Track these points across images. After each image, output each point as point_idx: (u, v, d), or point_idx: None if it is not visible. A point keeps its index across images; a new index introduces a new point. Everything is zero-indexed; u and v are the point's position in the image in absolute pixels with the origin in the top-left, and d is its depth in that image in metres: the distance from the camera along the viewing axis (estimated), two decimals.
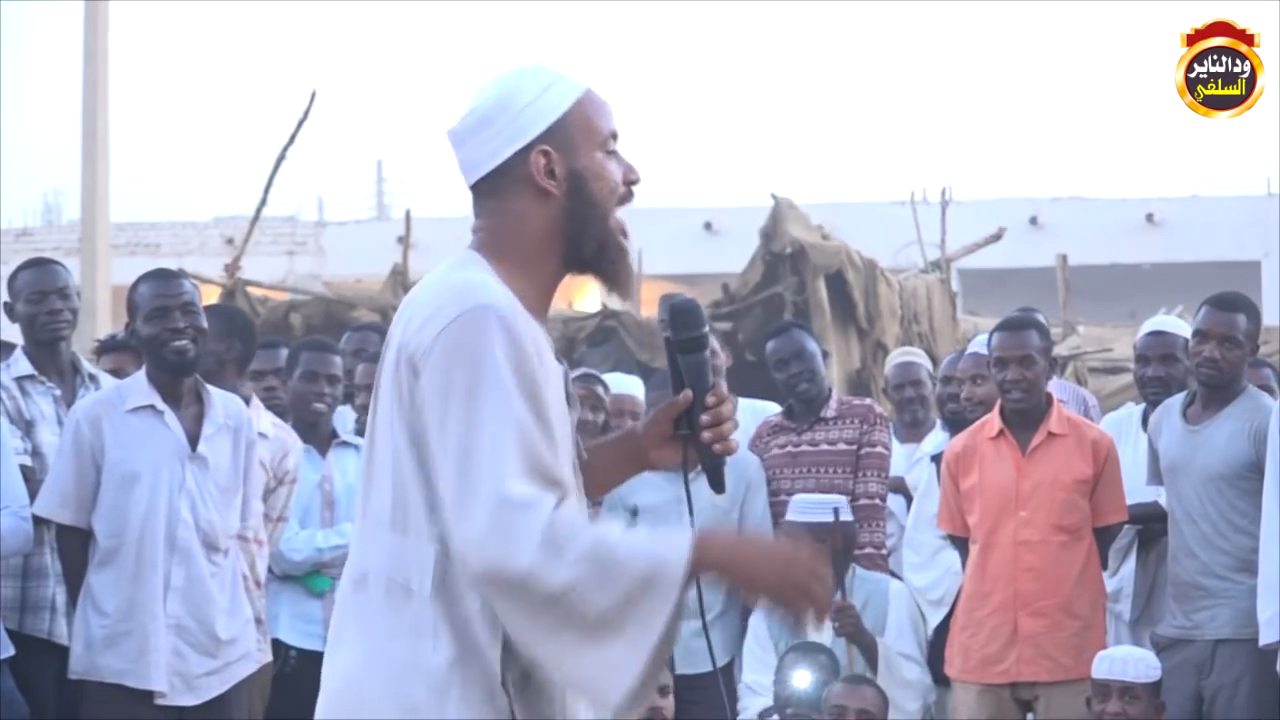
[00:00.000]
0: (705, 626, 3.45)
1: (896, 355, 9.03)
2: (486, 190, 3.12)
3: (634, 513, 7.30)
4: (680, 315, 3.20)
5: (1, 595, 6.08)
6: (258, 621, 6.42)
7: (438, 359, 2.95)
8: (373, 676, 2.98)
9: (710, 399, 3.19)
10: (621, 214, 3.15)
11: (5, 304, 6.54)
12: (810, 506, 6.96)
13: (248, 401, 6.63)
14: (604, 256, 3.13)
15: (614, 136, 3.16)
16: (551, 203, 3.10)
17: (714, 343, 7.73)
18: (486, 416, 2.91)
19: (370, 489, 3.07)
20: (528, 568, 2.85)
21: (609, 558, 2.87)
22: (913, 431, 8.28)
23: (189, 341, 6.00)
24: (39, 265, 6.56)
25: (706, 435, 3.18)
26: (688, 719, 6.97)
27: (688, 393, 3.20)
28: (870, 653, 6.81)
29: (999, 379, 6.65)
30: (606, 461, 3.33)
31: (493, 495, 2.87)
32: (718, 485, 3.22)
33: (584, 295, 16.29)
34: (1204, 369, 6.47)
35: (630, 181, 3.16)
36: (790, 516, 6.97)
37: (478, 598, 2.94)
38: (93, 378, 6.51)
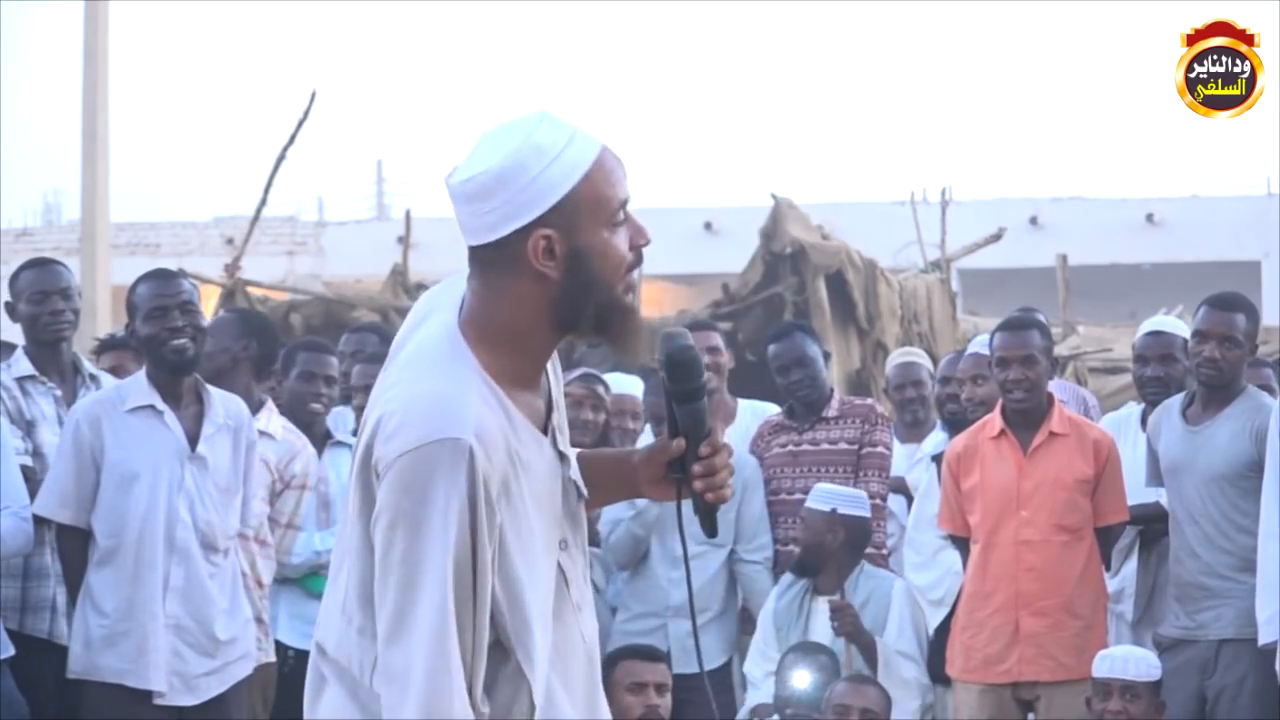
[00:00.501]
0: (695, 632, 3.44)
1: (897, 355, 9.02)
2: (483, 258, 2.96)
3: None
4: (678, 367, 3.07)
5: (2, 595, 6.08)
6: (259, 621, 6.43)
7: (393, 480, 2.86)
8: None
9: (704, 449, 3.08)
10: (629, 279, 3.00)
11: (7, 304, 6.53)
12: (830, 496, 7.02)
13: (261, 404, 6.64)
14: (607, 326, 2.99)
15: (624, 205, 2.96)
16: (548, 283, 2.93)
17: (718, 340, 7.74)
18: (424, 570, 2.85)
19: (339, 568, 3.03)
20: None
21: None
22: (913, 432, 8.28)
23: (188, 340, 6.00)
24: (41, 265, 6.55)
25: (698, 485, 3.09)
26: (686, 718, 6.97)
27: (680, 441, 3.10)
28: (869, 651, 6.82)
29: (1001, 379, 6.65)
30: (603, 482, 3.25)
31: (420, 689, 2.84)
32: (710, 530, 3.15)
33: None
34: (1204, 369, 6.47)
35: (638, 246, 3.00)
36: (810, 504, 7.01)
37: None
38: (93, 377, 6.51)
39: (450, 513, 2.85)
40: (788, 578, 7.10)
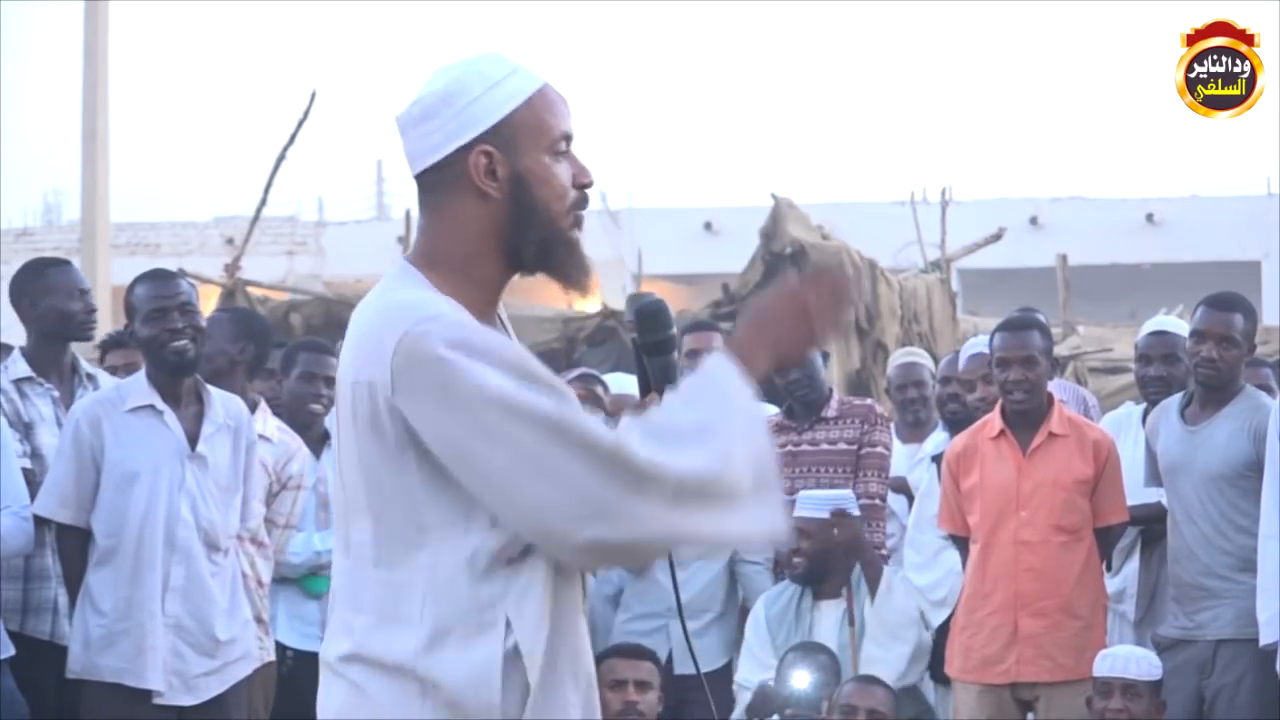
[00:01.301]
0: (686, 633, 3.43)
1: (899, 355, 9.02)
2: (428, 185, 3.04)
3: None
4: (646, 317, 3.11)
5: (3, 597, 6.07)
6: (259, 621, 6.43)
7: (408, 386, 2.88)
8: (372, 703, 2.94)
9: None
10: (577, 213, 3.04)
11: (28, 303, 6.43)
12: (826, 501, 7.00)
13: (255, 405, 6.64)
14: (550, 258, 3.03)
15: (566, 138, 3.03)
16: (491, 205, 2.99)
17: (719, 341, 7.73)
18: (507, 414, 2.85)
19: (350, 526, 3.02)
20: (651, 469, 2.83)
21: (692, 432, 2.86)
22: (914, 431, 8.28)
23: (188, 341, 6.00)
24: (64, 264, 6.57)
25: None
26: (687, 718, 6.97)
27: (654, 396, 3.10)
28: (873, 569, 6.81)
29: (1001, 379, 6.64)
30: None
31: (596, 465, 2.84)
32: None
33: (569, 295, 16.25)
34: (1202, 369, 6.47)
35: (582, 185, 3.04)
36: (805, 514, 6.98)
37: (476, 615, 2.90)
38: (90, 377, 6.50)
39: (485, 345, 2.87)
40: (778, 586, 7.08)
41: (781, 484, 3.07)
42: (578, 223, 3.05)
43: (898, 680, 6.72)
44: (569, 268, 3.04)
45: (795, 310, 2.99)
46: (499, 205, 2.99)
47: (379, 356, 2.90)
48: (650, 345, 3.11)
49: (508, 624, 2.91)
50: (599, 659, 6.76)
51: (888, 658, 6.80)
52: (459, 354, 2.86)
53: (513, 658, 2.90)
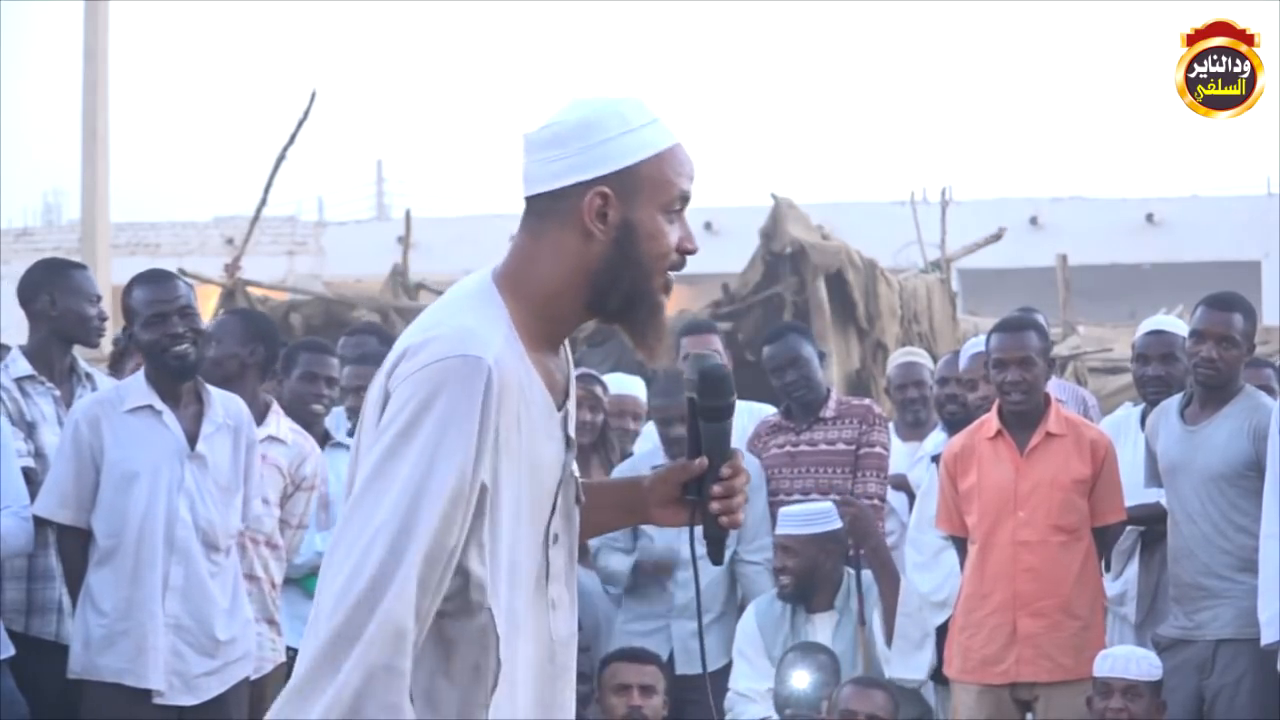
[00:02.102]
0: (700, 630, 3.43)
1: (899, 355, 9.02)
2: (536, 209, 2.99)
3: (635, 535, 7.31)
4: (712, 382, 3.06)
5: (6, 598, 6.07)
6: (270, 623, 6.45)
7: (405, 390, 2.85)
8: None
9: (726, 470, 3.07)
10: (669, 277, 3.01)
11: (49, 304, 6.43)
12: (808, 518, 6.96)
13: (268, 407, 6.63)
14: (633, 312, 3.00)
15: (684, 200, 3.01)
16: (593, 246, 2.96)
17: (717, 344, 7.74)
18: (411, 463, 2.81)
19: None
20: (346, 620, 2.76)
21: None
22: (914, 431, 8.28)
23: (189, 346, 6.00)
24: (84, 268, 6.61)
25: (715, 506, 3.06)
26: (690, 718, 6.97)
27: (703, 460, 3.07)
28: (888, 574, 6.80)
29: (998, 380, 6.64)
30: (605, 505, 3.22)
31: (363, 592, 2.76)
32: (717, 557, 3.13)
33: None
34: (1201, 369, 6.47)
35: (685, 250, 3.02)
36: (789, 531, 6.95)
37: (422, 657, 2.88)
38: (89, 376, 6.51)
39: (462, 425, 2.83)
40: (768, 595, 7.06)
41: (779, 485, 3.08)
42: (667, 286, 3.02)
43: (920, 685, 6.75)
44: (648, 327, 3.02)
45: None
46: (600, 248, 2.97)
47: (417, 359, 2.88)
48: (709, 410, 3.07)
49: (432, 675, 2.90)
50: (604, 662, 6.76)
51: (909, 663, 6.81)
52: (447, 415, 2.82)
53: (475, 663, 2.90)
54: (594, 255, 2.97)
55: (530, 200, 3.01)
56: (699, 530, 3.12)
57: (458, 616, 2.89)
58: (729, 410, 3.08)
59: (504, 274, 3.01)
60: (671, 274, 3.02)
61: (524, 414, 2.92)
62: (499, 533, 2.91)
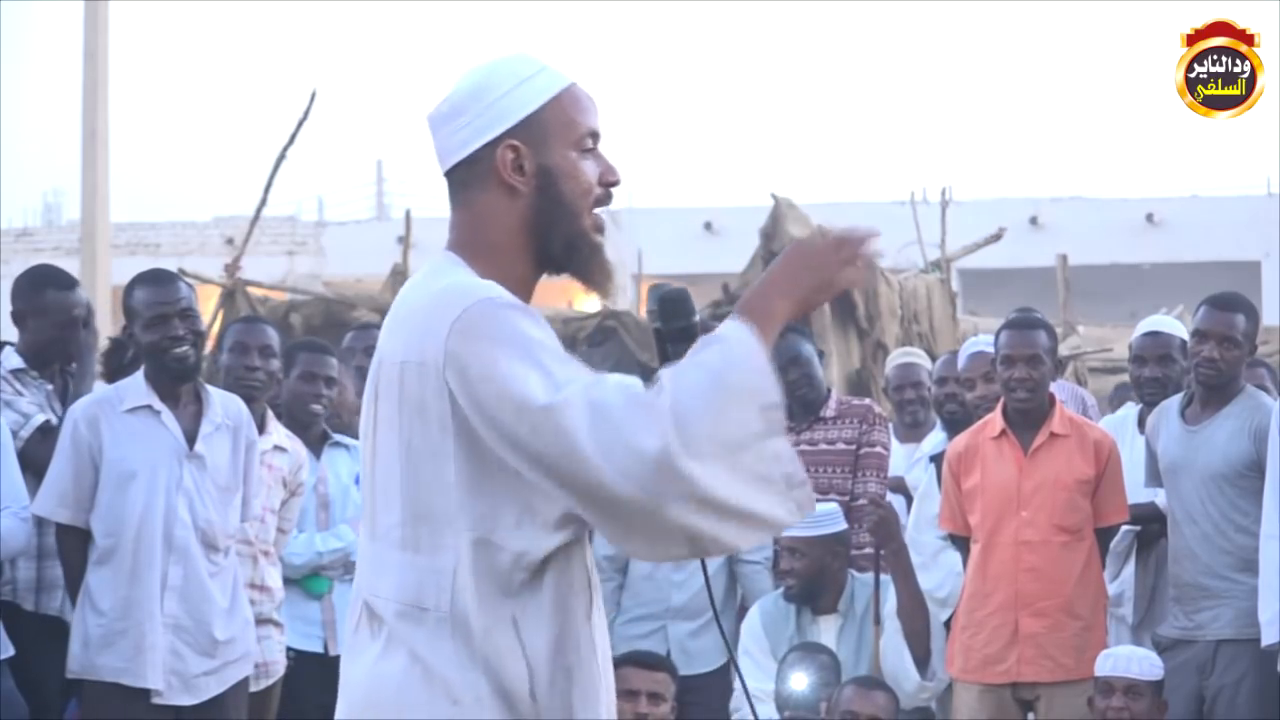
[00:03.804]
0: (717, 617, 3.42)
1: (897, 356, 9.01)
2: (458, 181, 3.07)
3: None
4: (670, 304, 3.12)
5: (18, 576, 6.09)
6: (274, 624, 6.47)
7: (463, 363, 2.88)
8: (390, 692, 2.94)
9: None
10: (600, 213, 3.09)
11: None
12: (815, 520, 6.95)
13: (264, 413, 6.63)
14: (574, 256, 3.07)
15: (594, 135, 3.08)
16: (519, 199, 3.04)
17: None
18: (527, 353, 2.88)
19: (377, 509, 3.02)
20: (661, 448, 2.80)
21: (708, 393, 2.83)
22: (913, 432, 8.27)
23: (189, 348, 6.00)
24: (60, 286, 6.54)
25: None
26: (688, 719, 6.95)
27: None
28: (905, 575, 6.80)
29: (1005, 377, 6.63)
30: None
31: (583, 414, 2.82)
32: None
33: (584, 295, 16.26)
34: (1203, 369, 6.47)
35: (608, 183, 3.09)
36: (795, 533, 6.94)
37: (499, 609, 2.91)
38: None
39: (528, 332, 2.89)
40: (772, 594, 7.05)
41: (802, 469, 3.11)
42: (599, 224, 3.08)
43: (940, 686, 6.74)
44: (592, 267, 3.09)
45: (811, 256, 2.97)
46: (526, 200, 3.04)
47: (434, 335, 2.91)
48: (673, 333, 3.11)
49: (515, 624, 2.93)
50: (613, 665, 6.73)
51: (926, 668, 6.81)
52: (519, 322, 2.89)
53: (513, 658, 2.92)
54: (523, 207, 3.04)
55: (450, 175, 3.08)
56: None
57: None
58: (692, 330, 3.10)
59: (454, 246, 3.08)
60: (604, 208, 3.09)
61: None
62: None
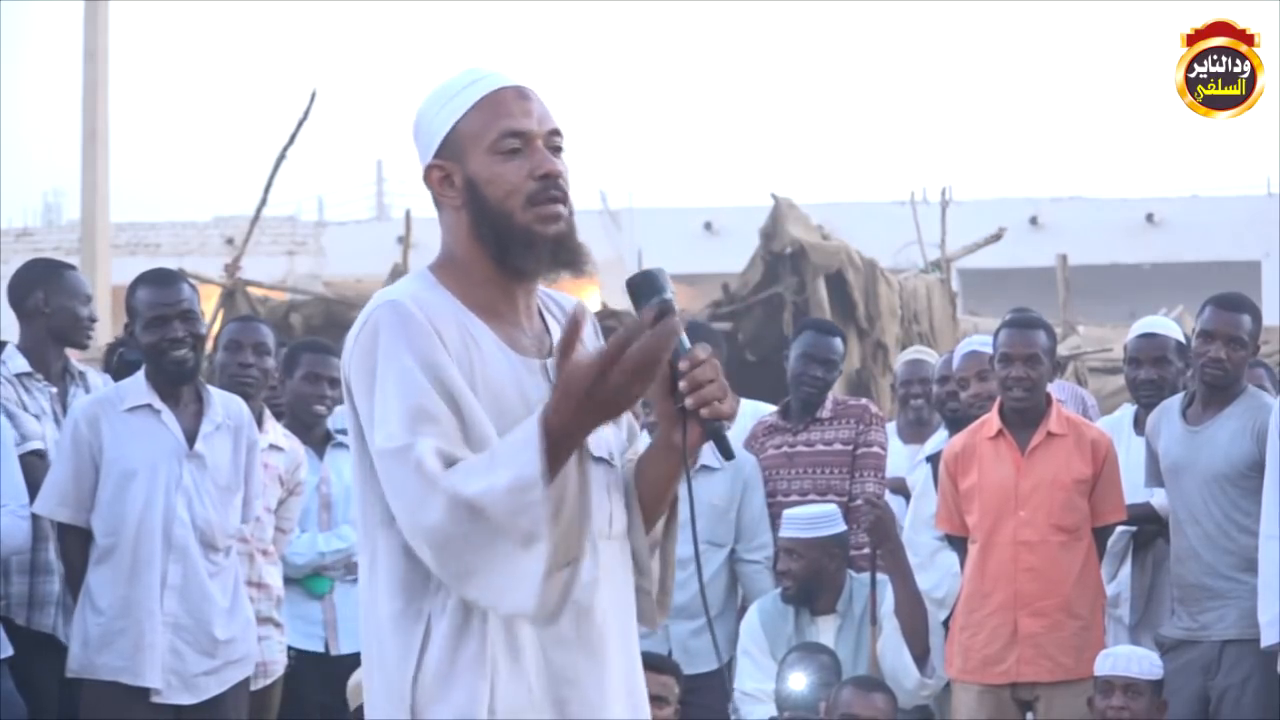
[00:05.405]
0: (710, 623, 3.43)
1: (908, 353, 9.00)
2: (431, 200, 3.25)
3: None
4: (641, 284, 3.14)
5: (11, 591, 6.08)
6: (274, 623, 6.46)
7: (353, 367, 3.09)
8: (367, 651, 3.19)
9: (683, 365, 3.10)
10: (547, 205, 3.14)
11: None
12: (813, 521, 6.96)
13: (261, 412, 6.63)
14: (526, 253, 3.15)
15: (512, 134, 3.15)
16: (461, 213, 3.18)
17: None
18: (385, 383, 3.04)
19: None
20: (413, 518, 2.99)
21: (471, 510, 2.94)
22: (916, 432, 8.26)
23: (188, 350, 6.00)
24: (74, 269, 6.63)
25: (689, 402, 3.09)
26: (688, 718, 6.95)
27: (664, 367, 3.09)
28: (903, 575, 6.78)
29: (1002, 375, 6.62)
30: (646, 470, 3.27)
31: (381, 451, 3.02)
32: (724, 451, 3.16)
33: (584, 295, 16.27)
34: (1209, 369, 6.46)
35: (541, 175, 3.15)
36: (794, 534, 6.94)
37: (414, 602, 3.10)
38: (82, 375, 6.54)
39: (395, 343, 3.04)
40: (771, 595, 7.05)
41: (777, 485, 3.14)
42: (545, 214, 3.14)
43: (939, 684, 6.74)
44: (527, 260, 3.16)
45: (599, 380, 2.95)
46: (466, 213, 3.18)
47: (348, 344, 3.12)
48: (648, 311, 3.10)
49: (428, 616, 3.08)
50: None
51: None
52: (392, 343, 3.05)
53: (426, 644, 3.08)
54: (466, 221, 3.18)
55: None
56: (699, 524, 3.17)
57: None
58: (668, 306, 3.10)
59: (435, 263, 3.24)
60: (550, 203, 3.15)
61: (470, 344, 3.11)
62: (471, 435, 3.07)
